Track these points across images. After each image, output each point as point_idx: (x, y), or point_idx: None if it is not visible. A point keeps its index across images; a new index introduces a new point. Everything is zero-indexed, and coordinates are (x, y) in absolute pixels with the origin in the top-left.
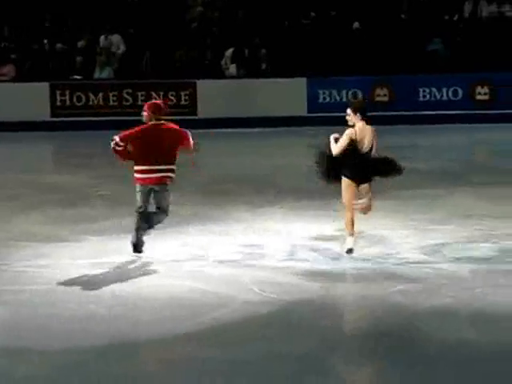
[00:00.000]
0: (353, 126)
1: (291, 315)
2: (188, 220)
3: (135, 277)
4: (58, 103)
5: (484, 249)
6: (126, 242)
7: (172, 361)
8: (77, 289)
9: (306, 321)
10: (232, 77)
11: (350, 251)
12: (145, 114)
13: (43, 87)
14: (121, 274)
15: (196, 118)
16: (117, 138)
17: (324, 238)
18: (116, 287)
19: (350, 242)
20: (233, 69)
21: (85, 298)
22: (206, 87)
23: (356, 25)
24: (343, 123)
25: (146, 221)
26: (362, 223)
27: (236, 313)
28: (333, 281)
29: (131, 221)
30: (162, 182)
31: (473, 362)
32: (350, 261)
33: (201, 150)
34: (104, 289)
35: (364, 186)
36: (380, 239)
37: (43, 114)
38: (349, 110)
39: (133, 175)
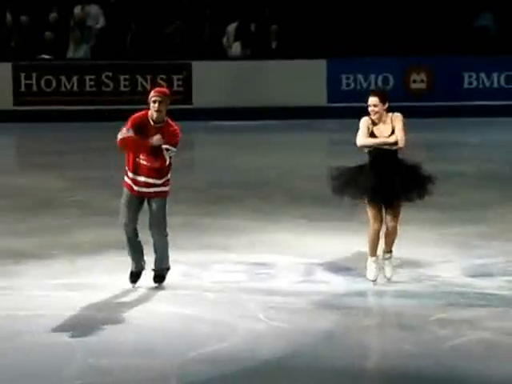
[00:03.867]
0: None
1: (302, 351)
2: (181, 232)
3: (116, 302)
4: (23, 89)
5: None
6: (105, 259)
7: None
8: (41, 316)
9: (319, 360)
10: (235, 58)
11: (373, 282)
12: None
13: (4, 69)
14: (98, 299)
15: (191, 107)
16: None
17: (346, 256)
18: (92, 314)
19: (370, 270)
20: (236, 48)
21: (52, 327)
22: (203, 70)
23: None
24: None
25: None
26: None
27: (236, 348)
28: (356, 310)
29: (110, 233)
30: None
31: None
32: (378, 284)
33: (196, 147)
34: (77, 316)
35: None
36: (414, 258)
37: (4, 101)
38: (375, 99)
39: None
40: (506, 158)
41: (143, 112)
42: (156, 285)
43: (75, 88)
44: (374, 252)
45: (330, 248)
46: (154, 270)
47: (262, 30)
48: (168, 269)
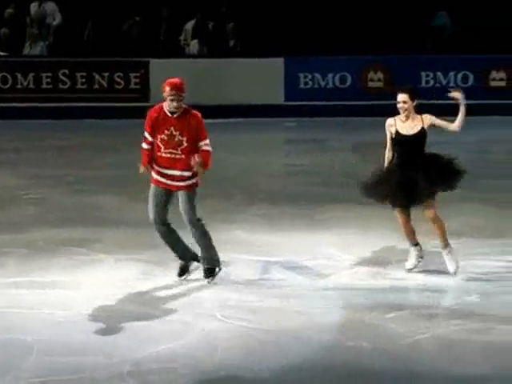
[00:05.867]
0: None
1: (258, 350)
2: (140, 230)
3: (72, 300)
4: None
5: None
6: (61, 257)
7: None
8: None
9: (276, 359)
10: (193, 56)
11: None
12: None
13: None
14: (55, 297)
15: (148, 104)
16: None
17: (305, 254)
18: (48, 313)
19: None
20: (194, 46)
21: (7, 325)
22: (160, 68)
23: None
24: (327, 114)
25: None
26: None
27: (192, 346)
28: (314, 307)
29: (66, 230)
30: None
31: None
32: (337, 282)
33: None
34: (33, 314)
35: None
36: (373, 255)
37: None
38: (405, 96)
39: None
40: (466, 156)
41: (158, 106)
42: (207, 280)
43: (31, 85)
44: (411, 239)
45: (288, 246)
46: (202, 264)
47: (220, 28)
48: (217, 261)
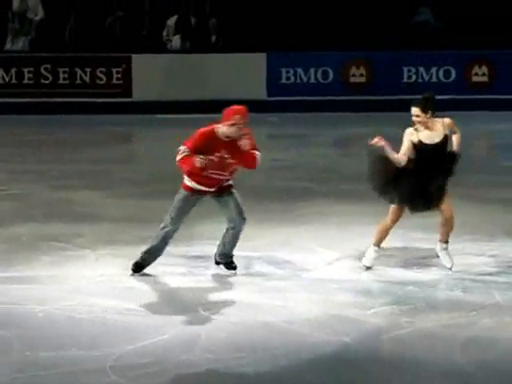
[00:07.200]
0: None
1: (240, 344)
2: (121, 225)
3: (55, 295)
4: None
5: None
6: (43, 252)
7: None
8: None
9: (257, 353)
10: (175, 51)
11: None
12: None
13: None
14: (38, 292)
15: (130, 100)
16: None
17: (284, 248)
18: (30, 308)
19: (369, 257)
20: (176, 41)
21: None
22: (143, 63)
23: None
24: (310, 109)
25: None
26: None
27: (174, 340)
28: (297, 302)
29: (47, 226)
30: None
31: None
32: (318, 276)
33: (136, 141)
34: (15, 309)
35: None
36: (354, 250)
37: None
38: (416, 110)
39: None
40: None
41: (210, 129)
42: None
43: (13, 80)
44: (378, 243)
45: (270, 240)
46: (226, 258)
47: (202, 23)
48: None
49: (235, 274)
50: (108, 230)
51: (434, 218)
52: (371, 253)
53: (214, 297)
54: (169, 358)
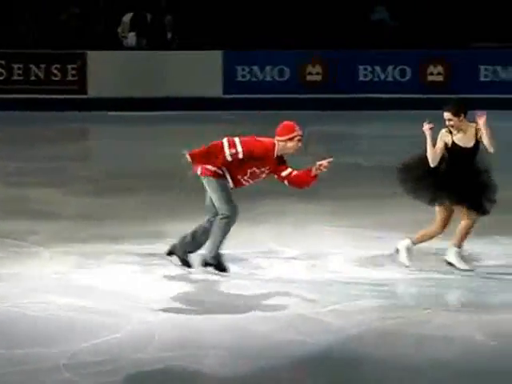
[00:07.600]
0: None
1: (195, 341)
2: (75, 222)
3: (12, 292)
4: None
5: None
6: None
7: None
8: None
9: (216, 351)
10: (131, 48)
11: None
12: None
13: None
14: None
15: (85, 97)
16: None
17: (245, 247)
18: None
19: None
20: (132, 38)
21: None
22: (98, 60)
23: None
24: (266, 107)
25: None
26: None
27: (129, 338)
28: (256, 299)
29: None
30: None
31: None
32: (275, 276)
33: (91, 138)
34: None
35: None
36: (309, 249)
37: None
38: (448, 115)
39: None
40: (401, 151)
41: (272, 144)
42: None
43: None
44: (417, 241)
45: (227, 239)
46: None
47: (158, 20)
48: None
49: (192, 273)
50: (63, 227)
51: (390, 219)
52: (405, 251)
53: (170, 295)
54: (123, 356)
